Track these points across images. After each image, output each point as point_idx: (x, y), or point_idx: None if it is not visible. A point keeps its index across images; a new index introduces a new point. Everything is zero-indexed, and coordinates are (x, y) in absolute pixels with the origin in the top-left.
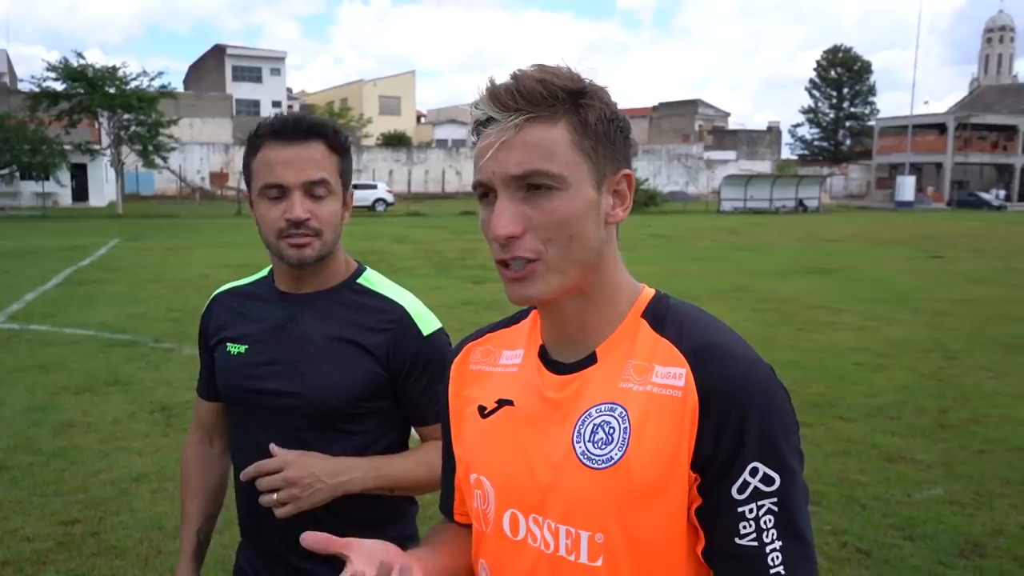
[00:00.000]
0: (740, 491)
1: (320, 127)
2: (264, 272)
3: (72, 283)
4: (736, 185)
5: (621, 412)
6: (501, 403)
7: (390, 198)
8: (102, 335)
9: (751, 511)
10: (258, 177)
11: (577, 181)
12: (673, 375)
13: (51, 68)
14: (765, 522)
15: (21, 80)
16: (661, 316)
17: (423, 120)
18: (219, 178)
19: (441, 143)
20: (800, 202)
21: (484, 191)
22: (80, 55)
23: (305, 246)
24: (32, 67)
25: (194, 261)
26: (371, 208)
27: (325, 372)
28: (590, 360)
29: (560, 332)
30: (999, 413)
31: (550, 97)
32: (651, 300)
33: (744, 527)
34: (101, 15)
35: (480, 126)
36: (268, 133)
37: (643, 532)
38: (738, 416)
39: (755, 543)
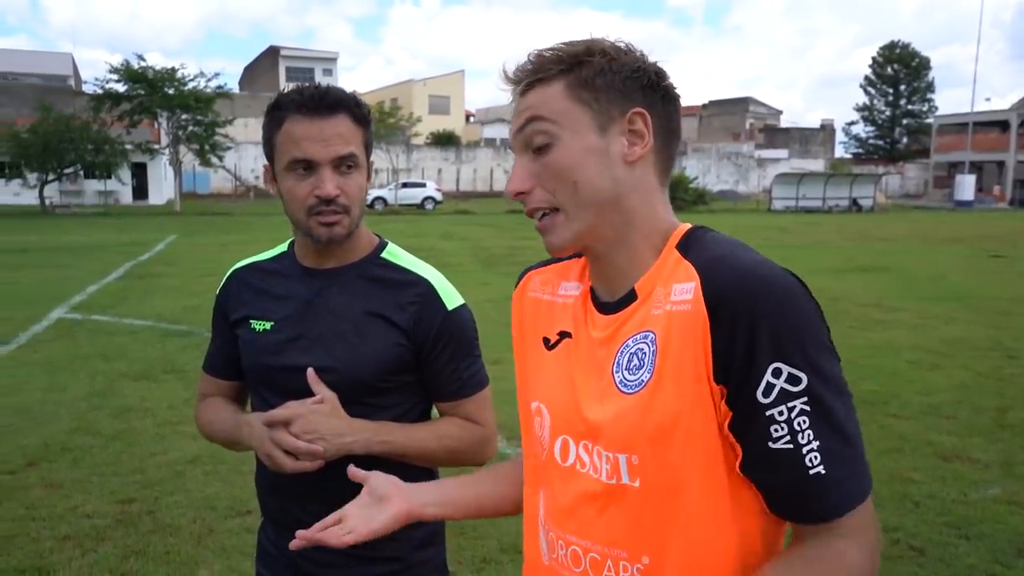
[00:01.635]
0: (765, 394)
1: (345, 100)
2: (283, 247)
3: (132, 276)
4: (788, 184)
5: (652, 337)
6: (562, 335)
7: (439, 196)
8: (159, 325)
9: (781, 413)
10: (283, 152)
11: (573, 129)
12: (685, 290)
13: (113, 70)
14: (799, 423)
15: (85, 82)
16: (689, 243)
17: (472, 119)
18: None
19: (489, 142)
20: (854, 201)
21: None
22: (141, 57)
23: (335, 224)
24: (96, 70)
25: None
26: (420, 206)
27: (355, 346)
28: (631, 297)
29: (601, 273)
30: None
31: (548, 63)
32: (686, 232)
33: (776, 430)
34: (161, 19)
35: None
36: (293, 106)
37: (675, 452)
38: (748, 318)
39: (790, 445)
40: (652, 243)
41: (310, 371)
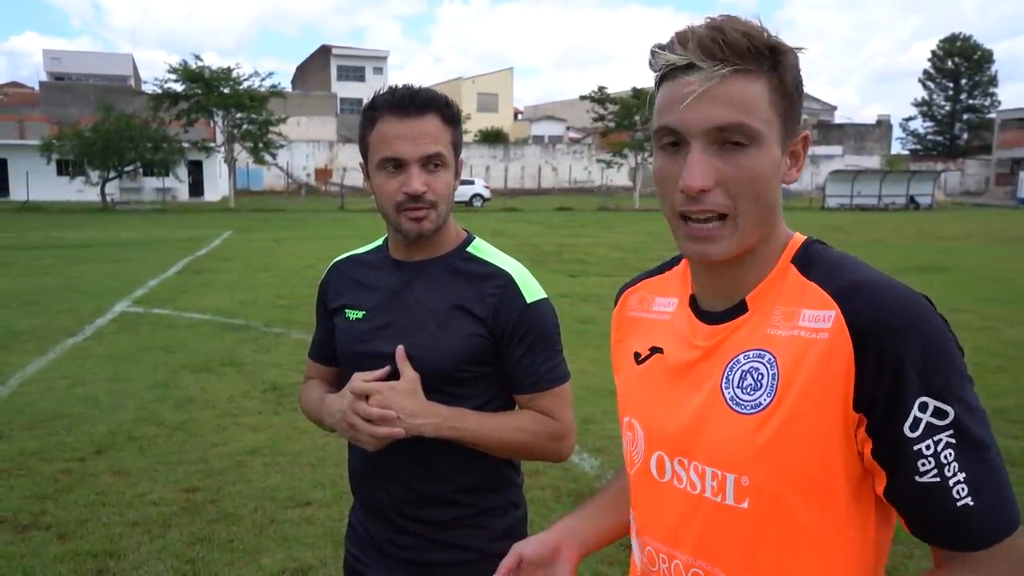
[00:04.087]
0: (912, 428)
1: (435, 100)
2: (379, 241)
3: (190, 271)
4: (842, 181)
5: (770, 359)
6: (653, 350)
7: (487, 194)
8: (217, 319)
9: (928, 447)
10: (376, 151)
11: (769, 140)
12: (821, 318)
13: (172, 70)
14: (946, 456)
15: (145, 82)
16: (808, 260)
17: (520, 117)
18: (323, 174)
19: (538, 139)
20: (912, 199)
21: (674, 140)
22: (198, 57)
23: (423, 219)
24: (155, 70)
25: (300, 252)
26: (468, 203)
27: (436, 336)
28: (740, 309)
29: (714, 283)
30: None
31: (754, 52)
32: (801, 246)
33: (923, 464)
34: (217, 20)
35: (676, 71)
36: (385, 107)
37: (791, 476)
38: (895, 352)
39: (937, 478)
40: (768, 253)
41: (399, 349)
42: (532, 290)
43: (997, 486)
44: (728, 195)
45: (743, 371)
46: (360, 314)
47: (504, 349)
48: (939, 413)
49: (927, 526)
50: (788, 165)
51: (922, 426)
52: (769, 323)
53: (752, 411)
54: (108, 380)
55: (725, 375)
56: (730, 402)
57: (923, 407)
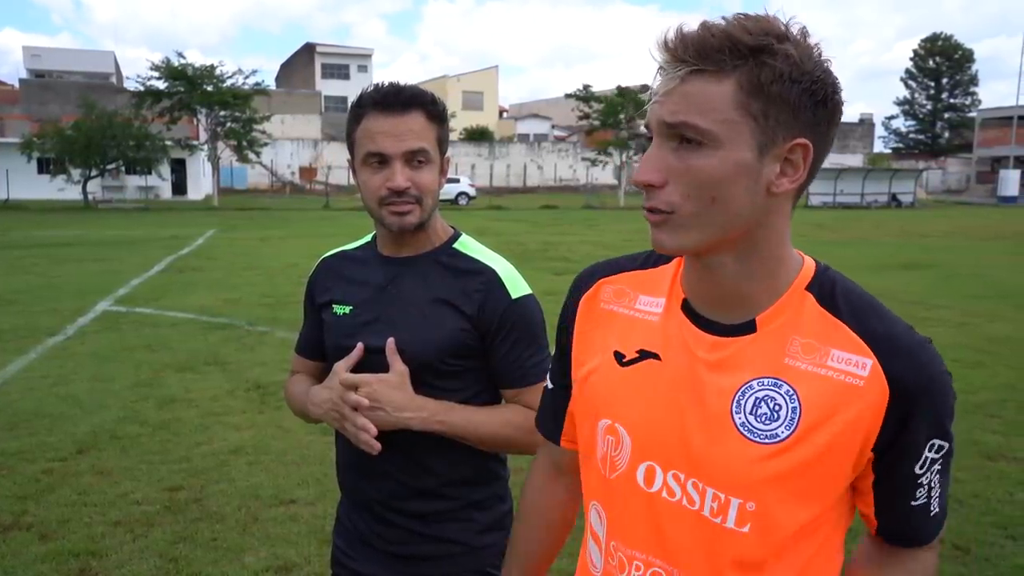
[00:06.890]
0: (921, 467)
1: (420, 97)
2: (368, 238)
3: (173, 270)
4: (825, 179)
5: (788, 390)
6: (644, 354)
7: (472, 192)
8: (201, 318)
9: (926, 478)
10: (360, 146)
11: (731, 141)
12: (855, 363)
13: (155, 68)
14: (936, 481)
15: (127, 79)
16: (828, 291)
17: (505, 115)
18: (308, 172)
19: (523, 138)
20: (894, 197)
21: (649, 136)
22: (181, 55)
23: (407, 213)
24: (137, 68)
25: (285, 251)
26: (454, 201)
27: (420, 330)
28: (749, 327)
29: (712, 290)
30: None
31: (722, 51)
32: (815, 272)
33: (920, 492)
34: (200, 17)
35: (658, 71)
36: (370, 103)
37: (798, 505)
38: (926, 407)
39: (925, 500)
40: (778, 276)
41: (390, 342)
42: (517, 286)
43: (946, 492)
44: (678, 193)
45: (757, 398)
46: (347, 309)
47: (490, 345)
48: (940, 449)
49: (895, 531)
50: (778, 173)
51: (927, 463)
52: (786, 352)
53: (767, 441)
54: (90, 380)
55: (736, 399)
56: (741, 428)
57: (931, 447)
